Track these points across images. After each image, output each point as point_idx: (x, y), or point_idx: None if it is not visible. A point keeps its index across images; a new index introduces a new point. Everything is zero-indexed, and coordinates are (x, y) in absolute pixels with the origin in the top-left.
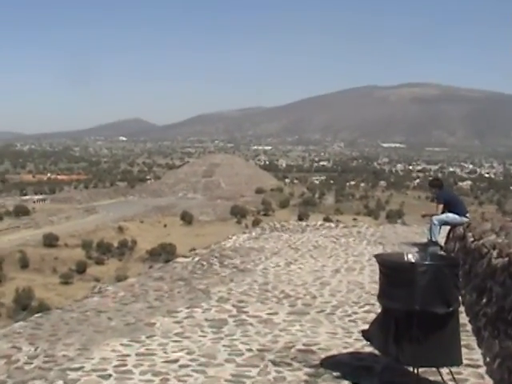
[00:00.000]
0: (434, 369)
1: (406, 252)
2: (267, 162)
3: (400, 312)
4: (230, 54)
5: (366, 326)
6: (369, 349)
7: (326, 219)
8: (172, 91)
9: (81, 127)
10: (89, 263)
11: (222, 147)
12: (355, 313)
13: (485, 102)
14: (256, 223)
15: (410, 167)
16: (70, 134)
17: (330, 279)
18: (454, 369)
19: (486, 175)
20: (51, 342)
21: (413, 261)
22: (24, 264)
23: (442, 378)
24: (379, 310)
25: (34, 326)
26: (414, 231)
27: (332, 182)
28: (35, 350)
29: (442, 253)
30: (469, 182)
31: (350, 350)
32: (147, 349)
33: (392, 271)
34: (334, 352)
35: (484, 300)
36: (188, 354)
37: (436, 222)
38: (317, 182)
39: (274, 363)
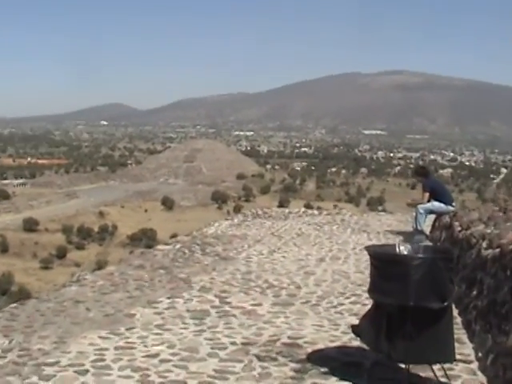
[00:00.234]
0: (425, 365)
1: (398, 243)
2: (248, 148)
3: (393, 307)
4: (212, 39)
5: (353, 318)
6: (356, 343)
7: (307, 205)
8: (154, 76)
9: (61, 111)
10: (69, 248)
11: (204, 132)
12: (341, 304)
13: (466, 90)
14: (237, 209)
15: (391, 154)
16: (51, 117)
17: (314, 268)
18: (445, 365)
19: (467, 163)
20: (26, 335)
21: (406, 253)
22: (4, 248)
23: (435, 375)
24: (366, 302)
25: (8, 316)
26: (399, 219)
27: (313, 168)
28: (9, 342)
29: (428, 243)
30: (449, 170)
31: (337, 343)
32: (127, 342)
33: (384, 264)
34: (320, 346)
35: (474, 292)
36: (169, 347)
37: (422, 211)
38: (298, 169)
39: (259, 358)
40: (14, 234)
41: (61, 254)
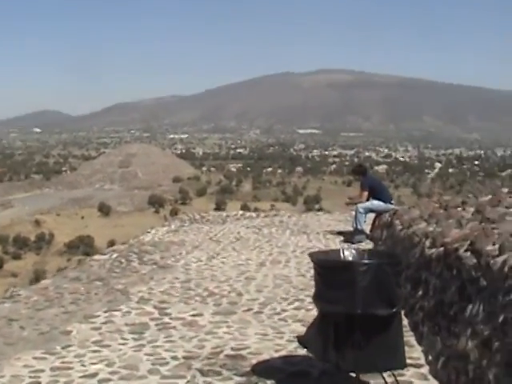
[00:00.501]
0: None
1: (343, 249)
2: (184, 151)
3: (340, 316)
4: (144, 42)
5: (297, 325)
6: (302, 351)
7: (244, 206)
8: (86, 81)
9: None
10: (5, 258)
11: (139, 137)
12: (284, 310)
13: (399, 87)
14: (174, 212)
15: (326, 153)
16: None
17: (255, 273)
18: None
19: (401, 159)
20: None
21: (351, 259)
22: None
23: (385, 382)
24: (309, 307)
25: None
26: (338, 219)
27: (249, 169)
28: None
29: (369, 242)
30: (384, 166)
31: (283, 353)
32: (63, 362)
33: (329, 271)
34: (265, 356)
35: (420, 292)
36: (108, 365)
37: (361, 210)
38: (234, 170)
39: (202, 373)
40: None
41: None
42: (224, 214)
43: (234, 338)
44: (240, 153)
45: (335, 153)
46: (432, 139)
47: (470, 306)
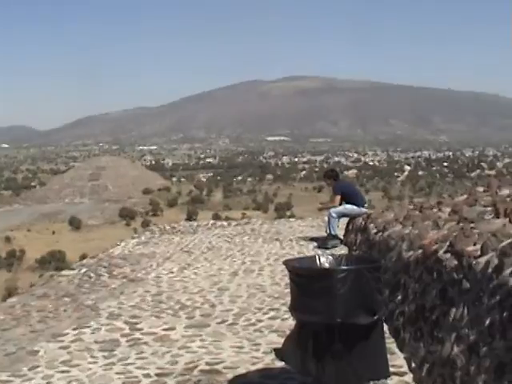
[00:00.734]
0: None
1: (319, 255)
2: (153, 162)
3: (318, 326)
4: (108, 54)
5: (273, 335)
6: (280, 364)
7: (216, 216)
8: (53, 95)
9: None
10: None
11: (108, 149)
12: (260, 320)
13: (364, 92)
14: (145, 224)
15: (296, 159)
16: None
17: (228, 284)
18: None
19: (371, 163)
20: None
21: (328, 265)
22: None
23: None
24: (285, 316)
25: None
26: (310, 224)
27: (219, 178)
28: None
29: (343, 247)
30: (354, 171)
31: (260, 365)
32: None
33: (305, 280)
34: (241, 370)
35: (399, 297)
36: None
37: (334, 215)
38: (204, 180)
39: None
40: None
41: None
42: (195, 223)
43: (208, 352)
44: (210, 162)
45: (305, 159)
46: (400, 142)
47: (454, 310)
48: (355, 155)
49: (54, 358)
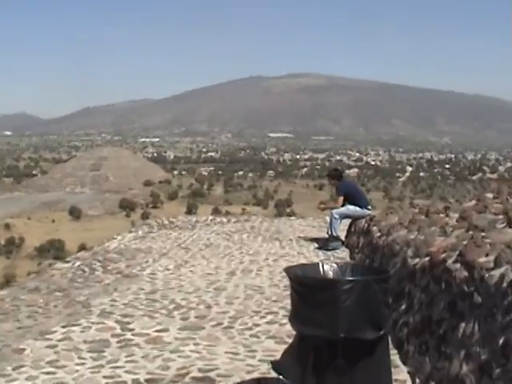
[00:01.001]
0: None
1: (322, 263)
2: (155, 154)
3: (320, 340)
4: (115, 46)
5: (270, 342)
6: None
7: (215, 210)
8: (56, 84)
9: None
10: None
11: (110, 140)
12: (256, 325)
13: (368, 91)
14: (145, 216)
15: (298, 156)
16: None
17: (225, 284)
18: None
19: (372, 163)
20: None
21: (332, 274)
22: None
23: None
24: (283, 321)
25: None
26: (311, 224)
27: (220, 172)
28: None
29: (344, 249)
30: (355, 170)
31: (255, 374)
32: None
33: (308, 289)
34: (235, 379)
35: (403, 306)
36: None
37: (336, 216)
38: (205, 173)
39: None
40: None
41: None
42: (193, 219)
43: (201, 358)
44: (211, 156)
45: (306, 156)
46: (402, 143)
47: (463, 325)
48: (357, 154)
49: (40, 357)
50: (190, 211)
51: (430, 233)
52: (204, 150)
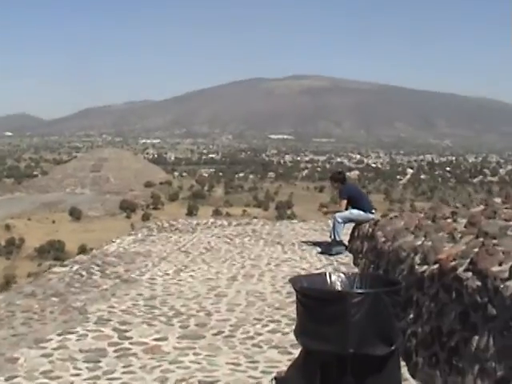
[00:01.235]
0: None
1: (329, 273)
2: (156, 156)
3: (328, 355)
4: (115, 47)
5: (273, 352)
6: None
7: (216, 212)
8: (57, 85)
9: None
10: None
11: (110, 141)
12: (259, 333)
13: (370, 94)
14: (146, 218)
15: (298, 158)
16: None
17: (226, 289)
18: None
19: (373, 165)
20: None
21: (339, 285)
22: None
23: None
24: (286, 330)
25: None
26: (313, 228)
27: (221, 174)
28: None
29: (343, 255)
30: (356, 172)
31: None
32: None
33: (315, 302)
34: None
35: (411, 316)
36: None
37: (340, 220)
38: (206, 175)
39: None
40: None
41: None
42: (194, 221)
43: (201, 369)
44: (212, 158)
45: (307, 158)
46: (403, 145)
47: (476, 338)
48: (358, 156)
49: (34, 367)
50: (191, 213)
51: (437, 239)
52: (205, 151)
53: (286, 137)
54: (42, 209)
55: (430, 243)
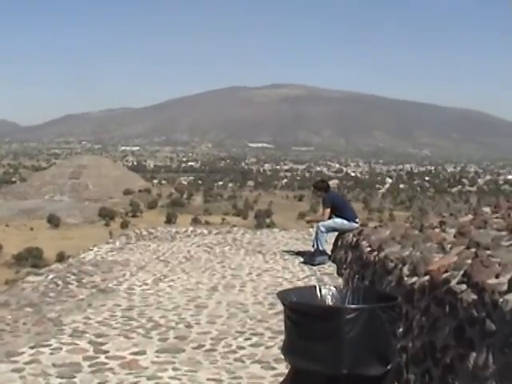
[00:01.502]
0: None
1: (319, 286)
2: (135, 163)
3: (319, 376)
4: (95, 54)
5: (256, 367)
6: None
7: (195, 220)
8: (36, 91)
9: None
10: None
11: (90, 148)
12: (241, 347)
13: (349, 102)
14: (124, 225)
15: (278, 167)
16: None
17: (206, 300)
18: None
19: (352, 174)
20: None
21: (330, 299)
22: None
23: None
24: (270, 343)
25: None
26: (295, 237)
27: (200, 182)
28: None
29: (326, 265)
30: (336, 181)
31: None
32: None
33: (305, 319)
34: None
35: (401, 329)
36: None
37: (323, 229)
38: (185, 183)
39: None
40: None
41: None
42: (173, 230)
43: None
44: (191, 166)
45: (286, 167)
46: (382, 155)
47: (474, 354)
48: (337, 165)
49: (3, 383)
50: (170, 220)
51: (426, 249)
52: (184, 159)
53: (265, 145)
54: (21, 215)
55: (418, 254)
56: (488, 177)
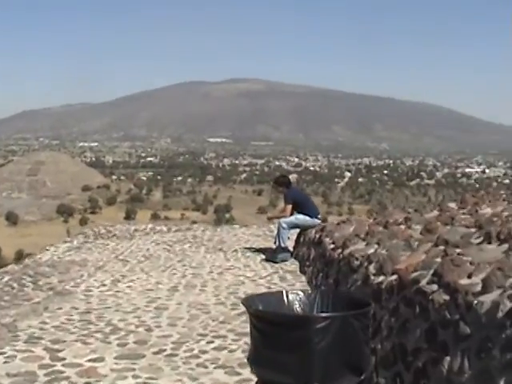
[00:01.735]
0: None
1: (287, 291)
2: (93, 159)
3: None
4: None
5: (220, 372)
6: None
7: (154, 215)
8: None
9: None
10: None
11: (48, 144)
12: (203, 351)
13: (308, 97)
14: (83, 222)
15: (237, 161)
16: None
17: (166, 301)
18: None
19: (311, 168)
20: None
21: (298, 306)
22: None
23: None
24: (233, 346)
25: None
26: (256, 233)
27: (159, 177)
28: None
29: (289, 262)
30: (295, 175)
31: None
32: None
33: (272, 327)
34: None
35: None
36: None
37: (285, 225)
38: (144, 178)
39: None
40: None
41: None
42: (132, 227)
43: None
44: (150, 161)
45: (245, 162)
46: (341, 149)
47: (448, 359)
48: (296, 160)
49: None
50: (129, 216)
51: (393, 247)
52: (143, 154)
53: (224, 140)
54: None
55: (384, 251)
56: (446, 170)
